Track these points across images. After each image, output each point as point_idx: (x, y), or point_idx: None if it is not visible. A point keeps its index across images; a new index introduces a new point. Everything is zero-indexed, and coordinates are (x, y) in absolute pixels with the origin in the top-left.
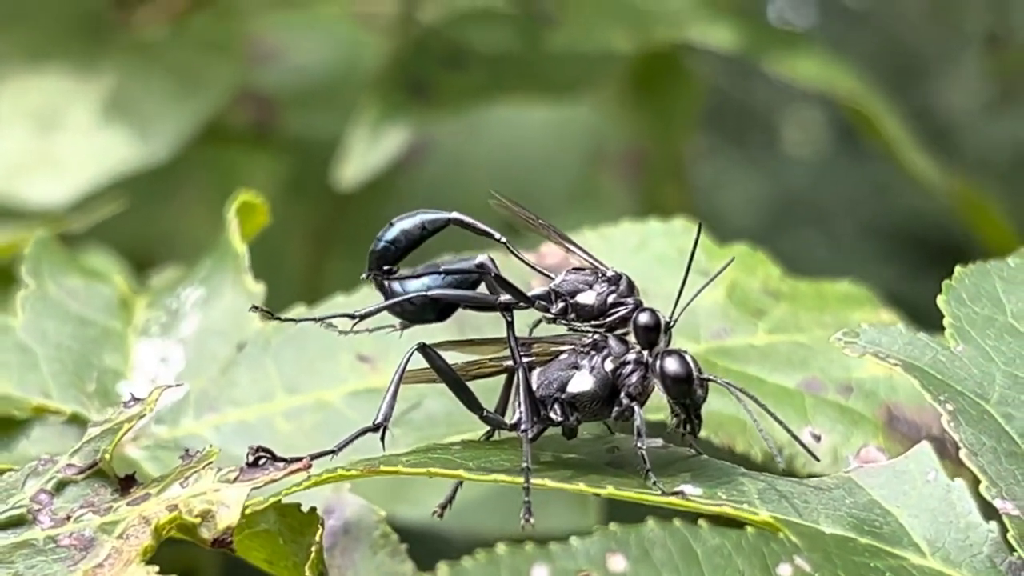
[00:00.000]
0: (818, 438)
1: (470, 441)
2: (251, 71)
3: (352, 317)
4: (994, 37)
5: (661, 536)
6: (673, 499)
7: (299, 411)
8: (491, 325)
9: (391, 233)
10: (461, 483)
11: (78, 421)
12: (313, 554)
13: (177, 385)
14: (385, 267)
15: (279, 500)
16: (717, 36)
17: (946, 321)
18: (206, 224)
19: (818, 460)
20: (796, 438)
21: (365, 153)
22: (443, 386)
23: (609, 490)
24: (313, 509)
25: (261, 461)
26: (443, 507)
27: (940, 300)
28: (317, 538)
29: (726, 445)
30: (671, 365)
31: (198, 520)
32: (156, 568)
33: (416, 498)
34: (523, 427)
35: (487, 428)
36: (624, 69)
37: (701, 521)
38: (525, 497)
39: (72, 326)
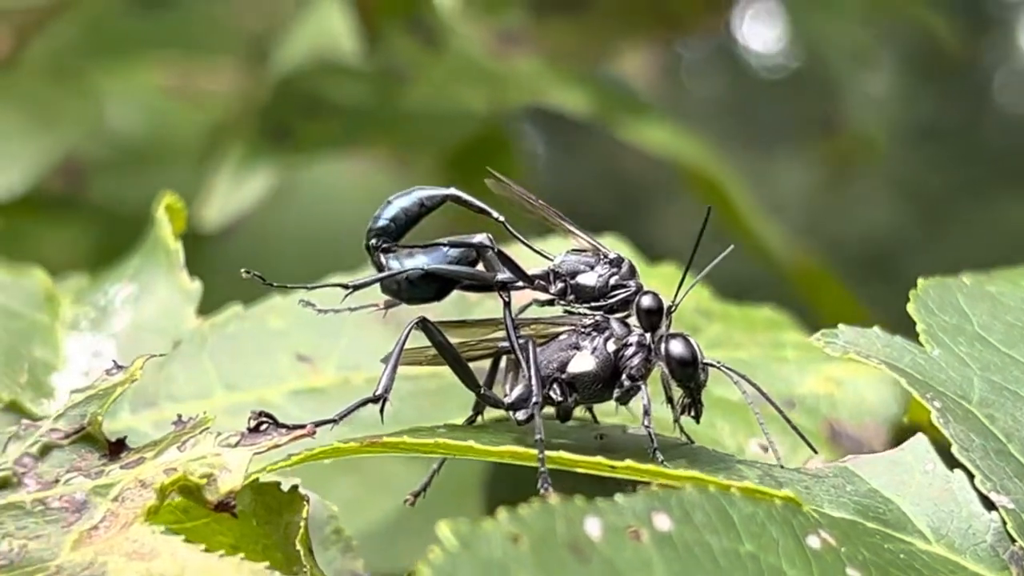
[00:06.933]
0: (765, 449)
1: (453, 425)
2: None
3: (346, 288)
4: (828, 122)
5: (700, 500)
6: (694, 473)
7: (240, 408)
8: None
9: (389, 211)
10: (439, 470)
11: (15, 408)
12: (301, 528)
13: (161, 355)
14: (384, 245)
15: (256, 479)
16: (572, 100)
17: (919, 327)
18: None
19: (816, 452)
20: (793, 426)
21: (228, 194)
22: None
23: (627, 463)
24: (295, 487)
25: (263, 426)
26: (416, 495)
27: (910, 308)
28: (304, 514)
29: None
30: (677, 347)
31: (203, 481)
32: (161, 528)
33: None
34: (534, 399)
35: (434, 425)
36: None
37: (733, 488)
38: (541, 468)
39: (0, 317)
